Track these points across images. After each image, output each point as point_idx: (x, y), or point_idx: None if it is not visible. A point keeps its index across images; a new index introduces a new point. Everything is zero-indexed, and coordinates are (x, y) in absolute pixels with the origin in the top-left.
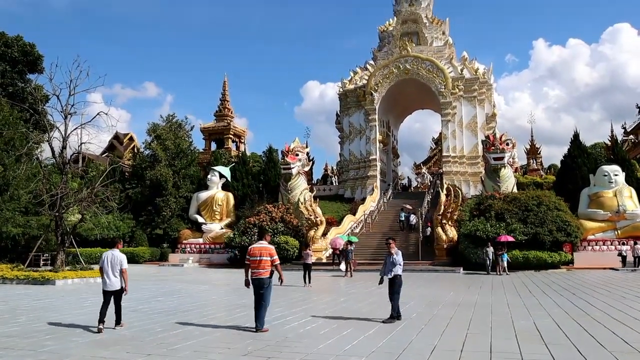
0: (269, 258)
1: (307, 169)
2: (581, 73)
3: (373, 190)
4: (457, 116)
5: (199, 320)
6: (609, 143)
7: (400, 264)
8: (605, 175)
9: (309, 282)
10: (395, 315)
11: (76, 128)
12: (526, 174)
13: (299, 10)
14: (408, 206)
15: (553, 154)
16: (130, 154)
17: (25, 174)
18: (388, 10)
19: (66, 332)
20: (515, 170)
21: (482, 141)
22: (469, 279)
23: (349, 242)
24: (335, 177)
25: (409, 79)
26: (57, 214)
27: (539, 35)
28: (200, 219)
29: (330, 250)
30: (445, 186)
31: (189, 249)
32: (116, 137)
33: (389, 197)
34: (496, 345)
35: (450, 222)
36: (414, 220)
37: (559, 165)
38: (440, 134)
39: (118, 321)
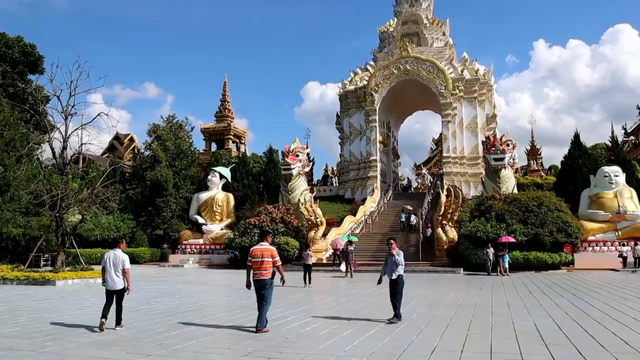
0: (270, 259)
1: (307, 169)
2: (582, 74)
3: (373, 191)
4: (457, 117)
5: (199, 321)
6: (610, 144)
7: (402, 265)
8: (606, 176)
9: (309, 283)
10: (397, 315)
11: (77, 129)
12: (526, 175)
13: (299, 10)
14: (408, 207)
15: (553, 155)
16: (131, 155)
17: (25, 175)
18: (388, 10)
19: (66, 332)
20: (516, 171)
21: (483, 142)
22: (469, 280)
23: (350, 242)
24: (336, 177)
25: (409, 79)
26: (57, 214)
27: (540, 36)
28: (200, 220)
29: (331, 251)
30: (445, 187)
31: (189, 250)
32: (117, 137)
33: (389, 197)
34: (496, 346)
35: (450, 223)
36: (415, 221)
37: (559, 166)
38: (441, 134)
39: (118, 322)
